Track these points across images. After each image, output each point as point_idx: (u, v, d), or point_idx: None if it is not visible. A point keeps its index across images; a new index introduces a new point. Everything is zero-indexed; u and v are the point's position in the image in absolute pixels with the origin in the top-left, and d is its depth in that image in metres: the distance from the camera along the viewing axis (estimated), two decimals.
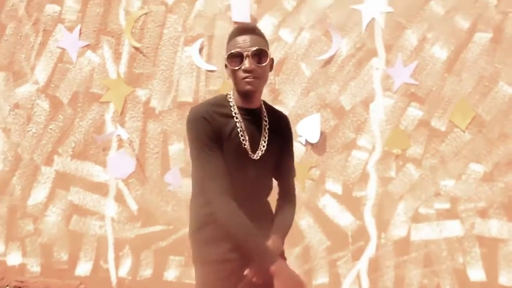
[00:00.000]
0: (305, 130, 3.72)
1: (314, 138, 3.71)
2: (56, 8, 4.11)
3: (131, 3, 3.99)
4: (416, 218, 3.65)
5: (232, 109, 2.09)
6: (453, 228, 3.62)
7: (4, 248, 4.17)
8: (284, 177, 2.27)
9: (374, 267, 3.69)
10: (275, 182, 2.27)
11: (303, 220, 3.73)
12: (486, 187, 3.59)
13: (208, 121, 2.01)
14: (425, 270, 3.64)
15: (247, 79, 2.02)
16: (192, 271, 3.86)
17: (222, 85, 3.85)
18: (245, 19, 3.78)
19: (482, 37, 3.59)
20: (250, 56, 2.00)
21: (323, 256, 3.75)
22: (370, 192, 3.70)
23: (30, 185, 4.13)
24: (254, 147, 2.10)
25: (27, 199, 4.13)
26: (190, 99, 3.91)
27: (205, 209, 2.05)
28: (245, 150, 2.07)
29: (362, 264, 3.70)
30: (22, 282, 4.10)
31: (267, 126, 2.15)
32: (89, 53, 4.06)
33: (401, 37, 3.68)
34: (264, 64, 2.04)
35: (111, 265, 4.00)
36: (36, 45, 4.13)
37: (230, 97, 2.12)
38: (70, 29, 4.07)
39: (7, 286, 4.10)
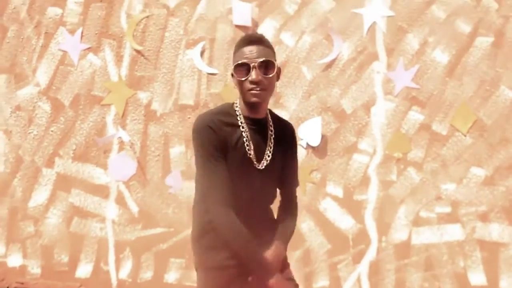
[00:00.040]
0: (306, 134, 3.72)
1: (315, 142, 3.71)
2: (58, 10, 4.12)
3: (133, 6, 4.00)
4: (417, 221, 3.65)
5: (238, 118, 2.09)
6: (454, 232, 3.62)
7: (5, 250, 4.17)
8: (287, 186, 2.27)
9: (375, 270, 3.69)
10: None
11: (303, 223, 3.73)
12: (487, 191, 3.59)
13: (213, 130, 2.01)
14: (426, 274, 3.64)
15: (254, 91, 2.01)
16: (193, 274, 3.87)
17: (223, 88, 3.85)
18: (247, 22, 3.79)
19: (484, 41, 3.59)
20: (257, 67, 2.00)
21: (323, 259, 3.75)
22: (371, 195, 3.70)
23: (31, 187, 4.13)
24: (259, 156, 2.11)
25: (28, 201, 4.14)
26: (191, 102, 3.91)
27: (207, 216, 2.06)
28: (250, 159, 2.08)
29: (363, 268, 3.70)
30: (22, 283, 4.10)
31: (273, 136, 2.15)
32: (90, 56, 4.07)
33: (402, 41, 3.68)
34: (271, 76, 2.03)
35: (111, 267, 4.00)
36: (38, 48, 4.14)
37: (237, 106, 2.12)
38: (72, 32, 4.08)
39: (7, 287, 4.10)
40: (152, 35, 3.98)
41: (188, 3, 3.93)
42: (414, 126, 3.66)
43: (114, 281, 3.99)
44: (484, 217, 3.58)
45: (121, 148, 4.00)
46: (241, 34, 3.82)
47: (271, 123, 2.17)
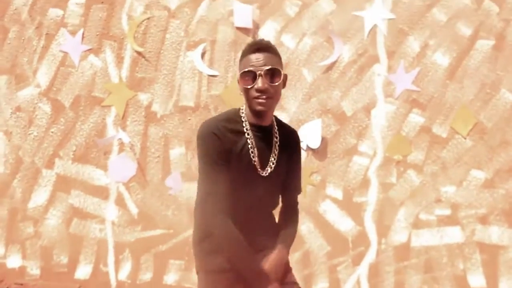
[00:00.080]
0: (306, 136, 3.72)
1: (315, 144, 3.71)
2: (59, 12, 4.12)
3: (134, 8, 4.00)
4: (417, 224, 3.65)
5: (244, 125, 2.08)
6: (454, 234, 3.62)
7: (4, 251, 4.17)
8: (290, 192, 2.27)
9: (374, 272, 3.69)
10: None
11: (303, 225, 3.73)
12: (487, 193, 3.59)
13: (218, 137, 2.00)
14: (425, 276, 3.64)
15: (259, 99, 2.00)
16: (192, 275, 3.87)
17: (224, 90, 3.86)
18: (247, 24, 3.80)
19: (484, 44, 3.60)
20: (263, 76, 1.98)
21: (323, 261, 3.75)
22: (371, 197, 3.71)
23: (31, 188, 4.13)
24: (264, 163, 2.10)
25: (27, 202, 4.13)
26: (191, 104, 3.91)
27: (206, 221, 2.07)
28: (255, 166, 2.07)
29: (362, 270, 3.70)
30: (21, 284, 4.09)
31: (278, 143, 2.15)
32: (91, 57, 4.07)
33: (403, 43, 3.69)
34: (277, 84, 2.02)
35: (111, 268, 4.00)
36: (39, 49, 4.14)
37: (243, 112, 2.11)
38: (73, 33, 4.08)
39: None
40: (153, 37, 3.99)
41: (189, 5, 3.93)
42: (415, 129, 3.66)
43: (113, 282, 3.98)
44: (483, 220, 3.59)
45: (121, 150, 4.00)
46: (242, 36, 3.84)
47: (276, 130, 2.17)
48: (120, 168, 3.98)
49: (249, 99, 2.03)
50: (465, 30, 3.62)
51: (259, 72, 1.99)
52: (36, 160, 4.13)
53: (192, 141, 3.88)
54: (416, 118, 3.66)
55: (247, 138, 2.06)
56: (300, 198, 2.35)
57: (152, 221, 3.94)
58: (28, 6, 4.16)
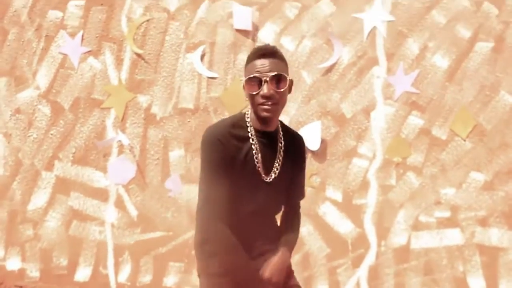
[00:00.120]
0: (305, 138, 3.70)
1: (315, 146, 3.71)
2: (59, 14, 4.12)
3: (133, 9, 4.00)
4: (416, 226, 3.65)
5: (249, 130, 2.07)
6: (454, 237, 3.62)
7: (4, 253, 4.17)
8: (293, 198, 2.27)
9: (374, 275, 3.68)
10: None
11: (303, 227, 3.73)
12: (486, 195, 3.59)
13: (222, 144, 1.99)
14: (425, 278, 3.63)
15: (265, 106, 1.99)
16: (192, 278, 3.87)
17: (223, 92, 3.86)
18: (247, 26, 3.80)
19: (483, 47, 3.60)
20: (269, 82, 1.97)
21: (323, 263, 3.74)
22: (371, 200, 3.70)
23: (31, 190, 4.13)
24: (268, 169, 2.10)
25: (27, 204, 4.13)
26: (191, 106, 3.91)
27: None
28: (259, 172, 2.07)
29: (362, 272, 3.70)
30: (21, 287, 4.10)
31: (282, 149, 2.14)
32: (91, 59, 4.07)
33: (402, 45, 3.69)
34: (282, 90, 2.01)
35: (110, 270, 4.00)
36: (38, 51, 4.14)
37: (248, 117, 2.10)
38: (72, 35, 4.09)
39: None
40: (152, 39, 3.99)
41: (188, 7, 3.94)
42: (414, 131, 3.66)
43: (113, 285, 3.98)
44: (483, 222, 3.59)
45: (120, 152, 4.00)
46: (242, 38, 3.84)
47: (281, 135, 2.16)
48: (119, 170, 3.98)
49: (255, 105, 2.02)
50: (465, 32, 3.62)
51: (265, 78, 1.97)
52: (36, 162, 4.13)
53: (192, 143, 3.88)
54: (415, 120, 3.66)
55: (251, 144, 2.05)
56: None
57: (151, 223, 3.94)
58: (28, 8, 4.17)
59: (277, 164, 2.11)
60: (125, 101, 4.00)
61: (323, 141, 3.73)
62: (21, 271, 4.13)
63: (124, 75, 4.01)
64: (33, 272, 4.11)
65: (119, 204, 3.99)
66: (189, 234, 3.77)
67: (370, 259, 3.69)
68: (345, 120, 3.74)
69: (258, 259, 2.12)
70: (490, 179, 3.58)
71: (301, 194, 2.30)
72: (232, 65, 3.86)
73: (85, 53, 4.08)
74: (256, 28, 3.83)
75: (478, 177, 3.60)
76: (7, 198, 4.17)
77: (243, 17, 3.79)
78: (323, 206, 3.75)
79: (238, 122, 2.09)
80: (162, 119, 3.96)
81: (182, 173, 3.90)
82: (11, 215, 4.16)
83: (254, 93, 1.99)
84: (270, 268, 2.08)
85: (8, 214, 4.16)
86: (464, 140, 3.61)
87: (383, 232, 3.68)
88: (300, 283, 2.32)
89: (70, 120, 4.08)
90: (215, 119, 3.84)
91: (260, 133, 2.08)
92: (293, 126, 2.74)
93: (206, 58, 3.91)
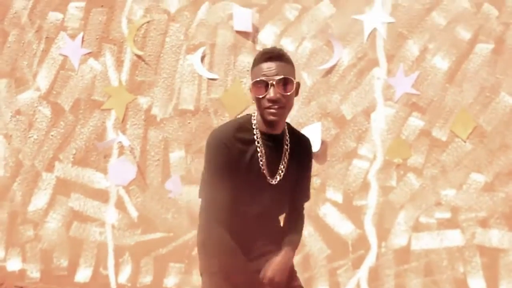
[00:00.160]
0: None
1: (315, 147, 3.70)
2: (59, 15, 4.13)
3: (134, 11, 4.00)
4: (417, 227, 3.65)
5: (255, 133, 2.06)
6: (454, 238, 3.62)
7: (4, 254, 4.17)
8: (298, 200, 2.26)
9: (374, 276, 3.68)
10: None
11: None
12: (487, 197, 3.59)
13: (228, 147, 1.98)
14: (425, 279, 3.64)
15: (271, 109, 1.97)
16: (192, 278, 3.87)
17: (224, 94, 3.86)
18: (247, 28, 3.80)
19: (484, 48, 3.60)
20: (275, 85, 1.96)
21: (323, 264, 3.75)
22: (371, 201, 3.71)
23: (31, 191, 4.13)
24: (273, 171, 2.09)
25: (27, 205, 4.14)
26: (191, 107, 3.92)
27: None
28: (263, 174, 2.06)
29: (362, 273, 3.70)
30: (21, 287, 4.10)
31: (288, 151, 2.13)
32: (91, 61, 4.07)
33: (402, 47, 3.69)
34: (289, 93, 1.99)
35: (110, 271, 4.00)
36: (39, 52, 4.14)
37: (254, 119, 2.09)
38: (73, 37, 4.09)
39: None
40: (152, 40, 3.99)
41: (188, 9, 3.94)
42: (414, 132, 3.66)
43: (113, 286, 3.98)
44: (484, 223, 3.59)
45: (121, 153, 4.00)
46: (242, 39, 3.84)
47: (287, 138, 2.14)
48: (120, 171, 3.98)
49: (261, 109, 2.01)
50: (465, 34, 3.62)
51: (271, 81, 1.96)
52: (36, 163, 4.13)
53: (192, 144, 3.89)
54: (415, 122, 3.66)
55: (257, 147, 2.04)
56: None
57: (152, 224, 3.94)
58: (28, 9, 4.17)
59: (282, 167, 2.10)
60: (125, 102, 4.00)
61: (323, 143, 3.73)
62: (22, 272, 4.13)
63: (124, 76, 4.02)
64: (34, 272, 4.11)
65: (120, 205, 3.99)
66: (189, 235, 3.77)
67: (370, 260, 3.70)
68: (346, 122, 3.74)
69: (259, 260, 2.12)
70: (490, 180, 3.58)
71: (306, 196, 2.29)
72: (232, 66, 3.86)
73: (85, 54, 4.08)
74: (256, 30, 3.83)
75: (478, 178, 3.60)
76: (8, 199, 4.17)
77: (243, 19, 3.80)
78: (323, 207, 3.75)
79: (244, 125, 2.07)
80: (163, 120, 3.96)
81: (183, 174, 3.90)
82: (11, 216, 4.16)
83: (261, 96, 1.98)
84: (272, 267, 2.08)
85: (9, 215, 4.17)
86: (465, 142, 3.61)
87: (383, 233, 3.68)
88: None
89: (70, 121, 4.09)
90: (215, 121, 3.84)
91: (266, 136, 2.07)
92: None
93: (206, 60, 3.91)
